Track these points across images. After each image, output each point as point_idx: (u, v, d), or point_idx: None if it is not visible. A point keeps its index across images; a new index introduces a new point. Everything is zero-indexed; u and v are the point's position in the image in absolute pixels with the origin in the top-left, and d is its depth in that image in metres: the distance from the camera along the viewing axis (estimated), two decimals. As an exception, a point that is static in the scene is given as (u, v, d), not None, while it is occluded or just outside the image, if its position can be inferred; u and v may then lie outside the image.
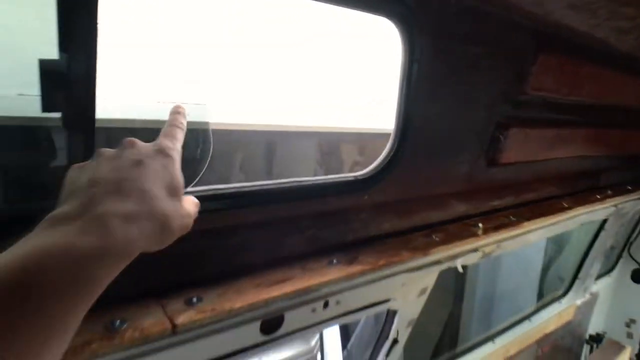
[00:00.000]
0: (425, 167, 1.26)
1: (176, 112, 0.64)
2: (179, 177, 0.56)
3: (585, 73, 1.63)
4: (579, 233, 3.93)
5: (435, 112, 1.18)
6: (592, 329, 4.38)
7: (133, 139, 0.57)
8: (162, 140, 0.59)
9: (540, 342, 3.54)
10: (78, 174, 0.53)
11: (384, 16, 0.93)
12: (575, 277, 3.75)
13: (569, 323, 3.85)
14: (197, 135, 0.98)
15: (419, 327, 1.77)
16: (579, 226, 3.75)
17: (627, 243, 4.34)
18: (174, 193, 0.54)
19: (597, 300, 4.26)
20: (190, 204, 0.59)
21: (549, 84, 1.45)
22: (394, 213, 1.31)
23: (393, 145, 1.09)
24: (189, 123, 0.65)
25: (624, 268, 4.43)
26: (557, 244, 4.89)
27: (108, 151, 0.56)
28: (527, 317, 3.39)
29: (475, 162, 1.43)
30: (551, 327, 3.61)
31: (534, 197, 1.92)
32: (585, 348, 4.20)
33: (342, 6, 0.89)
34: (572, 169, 2.10)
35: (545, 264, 4.99)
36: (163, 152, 0.56)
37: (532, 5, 1.18)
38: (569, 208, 1.87)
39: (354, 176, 1.06)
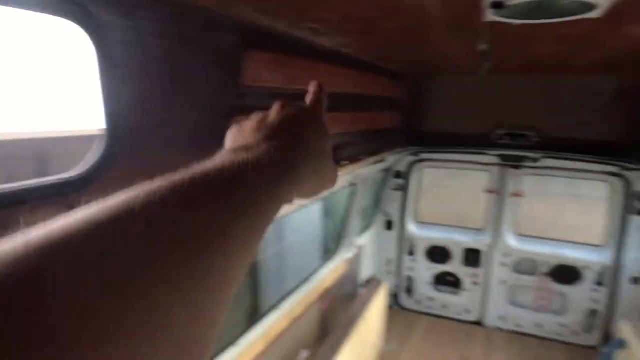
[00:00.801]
0: (151, 164, 1.31)
1: None
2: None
3: (300, 66, 1.92)
4: (343, 198, 4.60)
5: (151, 109, 1.23)
6: (365, 274, 5.23)
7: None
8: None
9: (322, 297, 4.06)
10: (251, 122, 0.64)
11: (62, 17, 0.92)
12: (341, 236, 4.41)
13: (343, 275, 4.51)
14: None
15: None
16: (341, 194, 4.45)
17: (378, 200, 5.30)
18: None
19: (364, 251, 5.10)
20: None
21: (265, 77, 1.66)
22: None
23: (104, 145, 1.11)
24: None
25: (380, 221, 5.40)
26: (329, 211, 5.63)
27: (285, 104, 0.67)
28: (307, 279, 3.84)
29: (210, 154, 1.55)
30: (329, 283, 4.17)
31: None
32: (360, 291, 4.99)
33: (9, 6, 0.85)
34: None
35: (324, 229, 5.70)
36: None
37: (228, 9, 1.33)
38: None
39: (60, 178, 1.03)
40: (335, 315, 4.44)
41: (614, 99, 3.94)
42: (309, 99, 0.75)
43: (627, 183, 4.32)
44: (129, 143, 1.19)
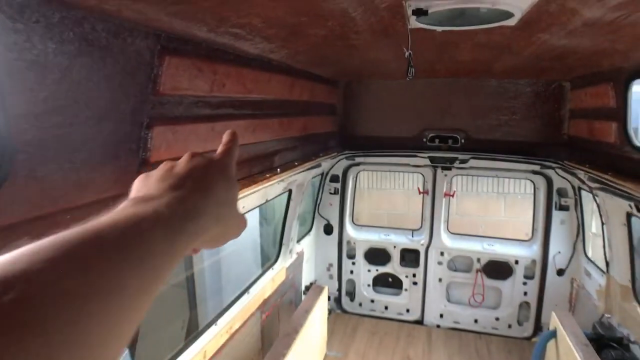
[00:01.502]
0: (56, 183, 1.17)
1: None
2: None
3: (224, 72, 1.83)
4: (280, 206, 4.53)
5: (49, 122, 1.10)
6: (306, 280, 5.19)
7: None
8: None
9: (261, 308, 3.96)
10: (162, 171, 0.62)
11: None
12: (280, 243, 4.34)
13: (283, 284, 4.43)
14: None
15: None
16: (279, 200, 4.38)
17: (316, 205, 5.29)
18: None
19: (304, 257, 5.06)
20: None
21: (185, 84, 1.56)
22: (33, 234, 1.18)
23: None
24: None
25: (318, 225, 5.39)
26: (266, 218, 5.53)
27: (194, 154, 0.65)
28: (245, 290, 3.72)
29: (126, 167, 1.42)
30: (268, 292, 4.08)
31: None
32: (302, 298, 4.94)
33: None
34: (242, 156, 2.36)
35: (262, 237, 5.59)
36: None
37: (139, 14, 1.23)
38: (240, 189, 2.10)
39: None
40: (277, 324, 4.35)
41: (532, 102, 4.21)
42: (220, 149, 0.75)
43: (549, 180, 4.62)
44: (23, 162, 1.05)
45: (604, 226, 3.75)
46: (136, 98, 1.40)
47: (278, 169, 2.76)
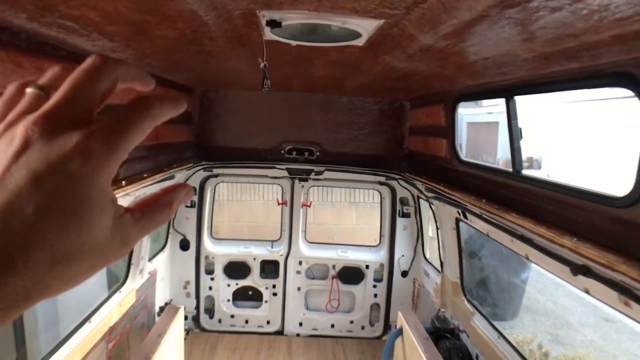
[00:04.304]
0: None
1: None
2: None
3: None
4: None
5: None
6: (161, 301, 4.80)
7: None
8: None
9: (107, 337, 3.53)
10: None
11: None
12: (129, 263, 3.94)
13: (133, 307, 4.03)
14: None
15: None
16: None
17: (171, 220, 4.96)
18: None
19: (158, 276, 4.68)
20: None
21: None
22: None
23: None
24: None
25: (174, 241, 5.06)
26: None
27: None
28: (87, 319, 3.28)
29: None
30: (115, 318, 3.66)
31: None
32: (157, 320, 4.55)
33: None
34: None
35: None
36: None
37: None
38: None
39: None
40: (126, 353, 3.92)
41: (379, 119, 4.60)
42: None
43: (393, 190, 5.08)
44: None
45: (439, 231, 4.25)
46: None
47: (123, 182, 2.49)
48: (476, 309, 3.80)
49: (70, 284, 0.40)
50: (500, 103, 2.60)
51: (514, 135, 2.46)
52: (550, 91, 2.18)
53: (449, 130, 3.31)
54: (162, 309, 4.70)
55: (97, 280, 4.91)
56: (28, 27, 1.32)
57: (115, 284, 4.20)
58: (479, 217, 2.95)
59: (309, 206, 5.25)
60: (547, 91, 2.20)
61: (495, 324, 3.55)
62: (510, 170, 2.46)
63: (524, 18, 1.23)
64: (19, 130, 0.37)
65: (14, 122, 0.39)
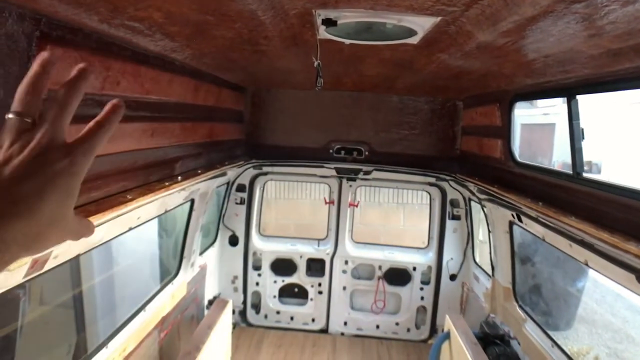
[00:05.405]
0: None
1: None
2: None
3: (118, 69, 1.67)
4: (182, 216, 4.27)
5: None
6: (209, 294, 4.95)
7: None
8: None
9: (159, 326, 3.68)
10: None
11: None
12: (181, 257, 4.09)
13: (184, 299, 4.18)
14: None
15: None
16: (181, 211, 4.14)
17: (221, 216, 5.11)
18: None
19: (207, 270, 4.83)
20: None
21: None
22: None
23: None
24: None
25: (223, 236, 5.20)
26: (166, 230, 5.20)
27: None
28: (141, 308, 3.44)
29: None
30: (167, 309, 3.81)
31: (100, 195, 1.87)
32: (205, 312, 4.70)
33: None
34: (138, 163, 2.17)
35: (161, 249, 5.24)
36: None
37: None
38: (132, 200, 1.92)
39: None
40: (177, 343, 4.08)
41: (430, 119, 4.50)
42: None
43: (443, 192, 4.96)
44: None
45: (491, 234, 4.11)
46: (7, 91, 1.20)
47: (179, 177, 2.58)
48: (529, 315, 3.64)
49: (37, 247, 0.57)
50: (557, 104, 2.48)
51: (576, 136, 2.34)
52: (617, 90, 2.05)
53: (504, 131, 3.19)
54: (210, 302, 4.85)
55: (151, 273, 5.15)
56: (99, 29, 1.40)
57: (166, 277, 4.39)
58: (535, 220, 2.82)
59: (357, 206, 5.23)
60: (614, 90, 2.07)
61: (549, 332, 3.39)
62: (570, 172, 2.34)
63: (592, 13, 1.16)
64: None
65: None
